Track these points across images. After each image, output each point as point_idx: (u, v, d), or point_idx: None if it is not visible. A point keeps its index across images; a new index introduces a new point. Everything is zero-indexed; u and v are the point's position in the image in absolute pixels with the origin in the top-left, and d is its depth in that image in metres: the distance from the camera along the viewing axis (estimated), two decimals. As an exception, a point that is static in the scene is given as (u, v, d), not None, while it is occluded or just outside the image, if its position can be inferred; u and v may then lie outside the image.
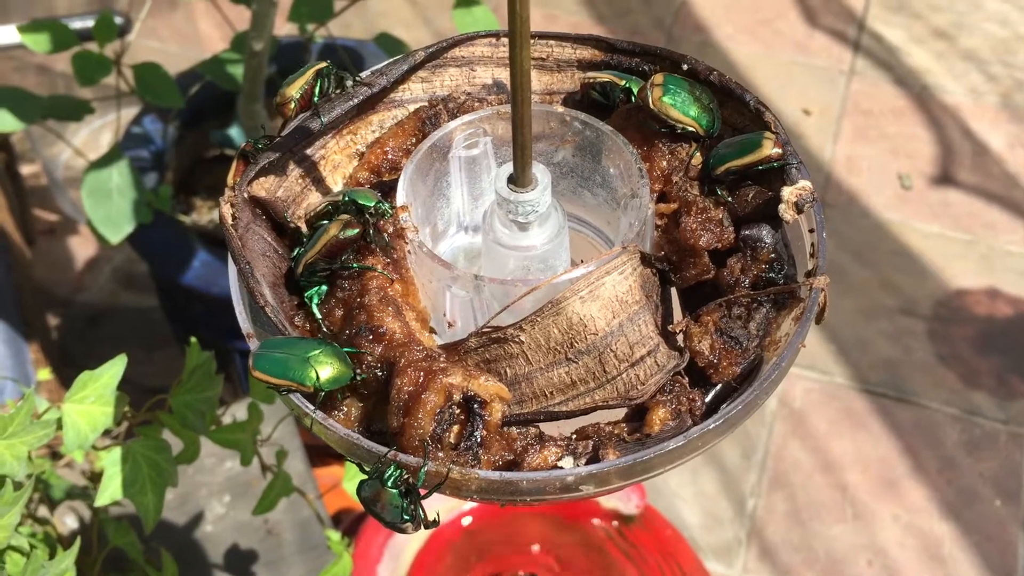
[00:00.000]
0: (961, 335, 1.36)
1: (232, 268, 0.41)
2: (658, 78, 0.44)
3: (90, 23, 0.95)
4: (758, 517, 1.21)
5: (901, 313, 1.38)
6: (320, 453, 1.05)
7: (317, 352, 0.39)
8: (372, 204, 0.42)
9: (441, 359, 0.39)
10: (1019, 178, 1.52)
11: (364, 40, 1.22)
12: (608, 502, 0.99)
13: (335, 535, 0.84)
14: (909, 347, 1.34)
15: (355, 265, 0.42)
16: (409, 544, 0.96)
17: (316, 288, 0.42)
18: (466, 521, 0.99)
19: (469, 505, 0.97)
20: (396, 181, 0.44)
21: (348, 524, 1.03)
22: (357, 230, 0.42)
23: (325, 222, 0.43)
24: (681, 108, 0.44)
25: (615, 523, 0.99)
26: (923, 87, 1.64)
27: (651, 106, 0.44)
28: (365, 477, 0.38)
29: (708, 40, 1.71)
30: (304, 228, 0.44)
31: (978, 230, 1.46)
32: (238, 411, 0.90)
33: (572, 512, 0.99)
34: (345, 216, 0.42)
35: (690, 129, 0.44)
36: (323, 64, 0.43)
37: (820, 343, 1.35)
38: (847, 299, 1.39)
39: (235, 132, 1.15)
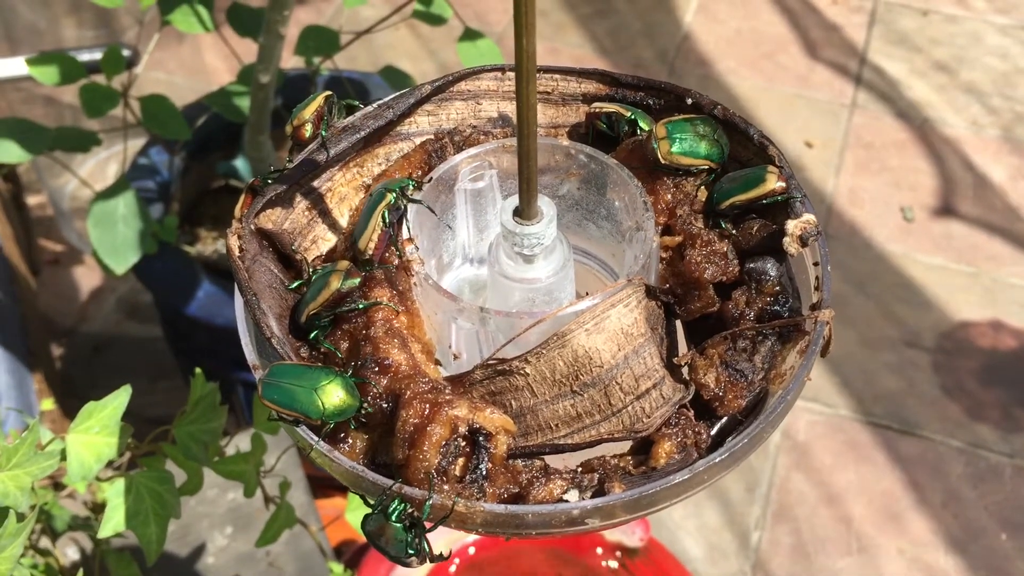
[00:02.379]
0: (965, 367, 1.36)
1: (238, 300, 0.41)
2: (660, 130, 0.44)
3: (98, 56, 0.96)
4: (763, 550, 1.20)
5: (905, 345, 1.38)
6: (322, 485, 1.04)
7: (325, 383, 0.39)
8: (408, 182, 0.43)
9: (447, 391, 0.39)
10: (1021, 211, 1.52)
11: (370, 72, 1.23)
12: (612, 535, 0.98)
13: (337, 567, 0.84)
14: (913, 379, 1.34)
15: (360, 305, 0.42)
16: (412, 577, 0.96)
17: (319, 330, 0.42)
18: (470, 552, 0.98)
19: (472, 537, 0.97)
20: (402, 213, 0.44)
21: (350, 556, 1.02)
22: (358, 279, 0.42)
23: (323, 268, 0.43)
24: (692, 152, 0.44)
25: (619, 556, 0.99)
26: (924, 120, 1.65)
27: (662, 160, 0.44)
28: (369, 511, 0.38)
29: (710, 74, 1.72)
30: (310, 259, 0.45)
31: (981, 262, 1.46)
32: (241, 442, 0.90)
33: (576, 545, 0.99)
34: (344, 264, 0.42)
35: (704, 168, 0.44)
36: (329, 92, 0.44)
37: (824, 375, 1.34)
38: (850, 331, 1.39)
39: (241, 164, 1.16)
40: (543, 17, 1.78)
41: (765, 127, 1.63)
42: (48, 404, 0.97)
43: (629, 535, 0.97)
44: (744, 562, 1.19)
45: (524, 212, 0.41)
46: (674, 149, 0.44)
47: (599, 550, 0.99)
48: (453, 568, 0.97)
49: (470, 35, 0.98)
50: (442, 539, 0.96)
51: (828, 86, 1.70)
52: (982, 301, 1.42)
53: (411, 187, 0.43)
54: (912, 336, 1.38)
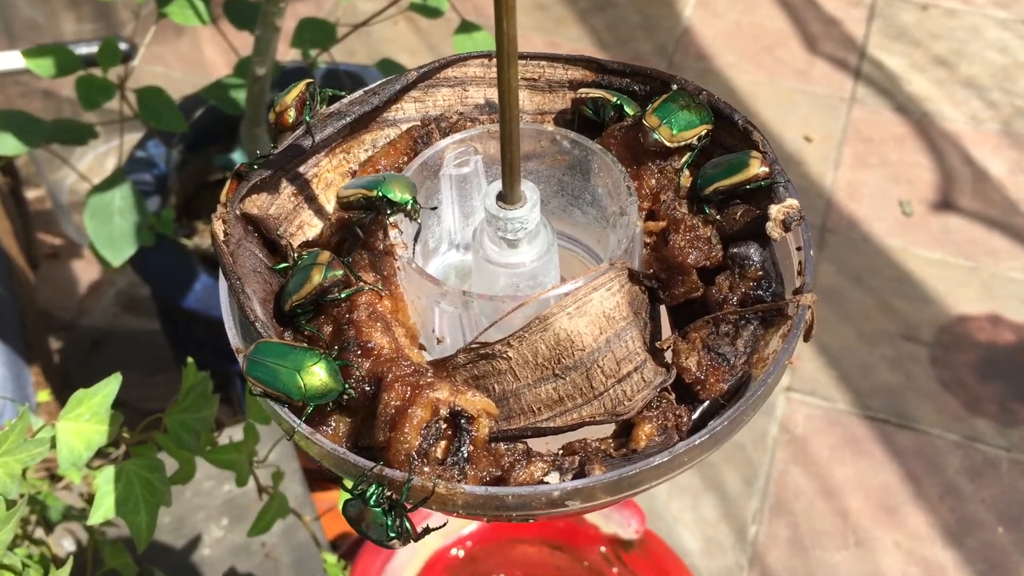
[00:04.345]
0: (963, 361, 1.35)
1: (223, 284, 0.42)
2: (653, 120, 0.44)
3: (94, 48, 0.96)
4: (760, 543, 1.20)
5: (903, 339, 1.37)
6: (320, 477, 1.05)
7: (309, 365, 0.39)
8: (407, 202, 0.42)
9: (428, 374, 0.39)
10: (1020, 204, 1.52)
11: (367, 66, 1.23)
12: (608, 527, 0.98)
13: (331, 558, 0.84)
14: (911, 373, 1.34)
15: (343, 295, 0.42)
16: (407, 568, 0.96)
17: (302, 316, 0.42)
18: (465, 546, 0.98)
19: (468, 530, 0.97)
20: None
21: (347, 548, 1.03)
22: (340, 271, 0.42)
23: (307, 255, 0.43)
24: (690, 124, 0.44)
25: (614, 548, 0.99)
26: (924, 114, 1.65)
27: (670, 145, 0.44)
28: (349, 496, 0.38)
29: (710, 68, 1.72)
30: (299, 242, 0.45)
31: (980, 256, 1.46)
32: (235, 433, 0.90)
33: (571, 537, 0.99)
34: (326, 256, 0.42)
35: (705, 132, 0.45)
36: (310, 79, 0.44)
37: (822, 369, 1.34)
38: (849, 325, 1.39)
39: (238, 156, 1.16)
40: (543, 11, 1.77)
41: (764, 121, 1.63)
42: (44, 396, 0.98)
43: (625, 527, 0.97)
44: (741, 555, 1.19)
45: (507, 197, 0.41)
46: (676, 131, 0.44)
47: (601, 548, 0.99)
48: (449, 558, 0.98)
49: (466, 28, 0.98)
50: (439, 531, 0.96)
51: (827, 80, 1.70)
52: (980, 295, 1.42)
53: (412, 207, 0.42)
54: (910, 330, 1.38)
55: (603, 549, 0.98)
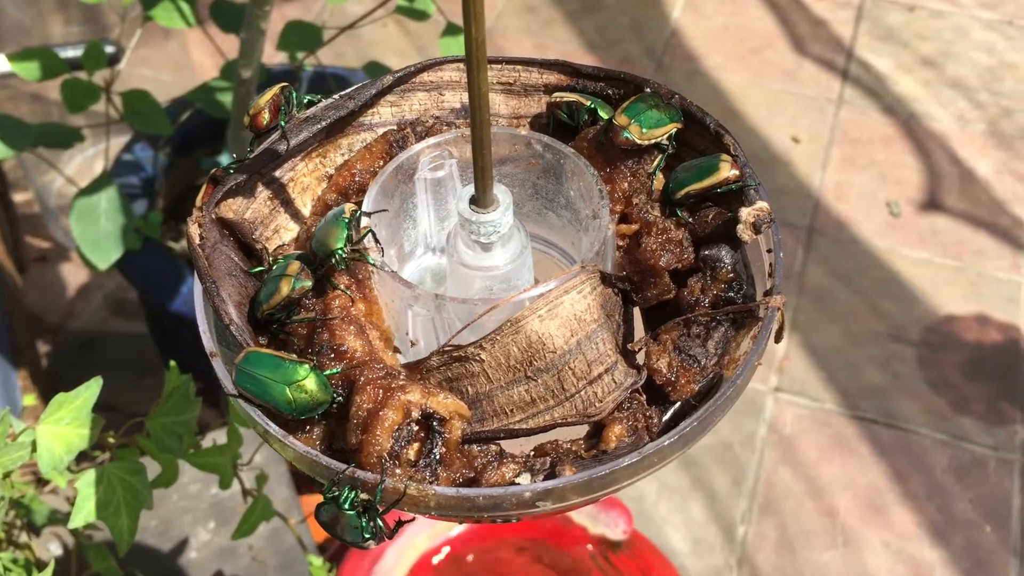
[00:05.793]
0: (950, 361, 1.36)
1: (198, 287, 0.42)
2: (623, 120, 0.44)
3: (81, 52, 0.96)
4: (748, 544, 1.20)
5: (890, 339, 1.38)
6: (308, 480, 1.04)
7: (299, 379, 0.39)
8: (332, 253, 0.42)
9: (400, 377, 0.39)
10: (1006, 204, 1.53)
11: (354, 68, 1.23)
12: (595, 528, 0.98)
13: (317, 560, 0.84)
14: (898, 373, 1.35)
15: (313, 317, 0.42)
16: (394, 571, 0.96)
17: (276, 323, 0.42)
18: (452, 549, 0.98)
19: (456, 532, 0.97)
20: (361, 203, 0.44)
21: (334, 551, 1.03)
22: (310, 283, 0.41)
23: (281, 261, 0.43)
24: (659, 123, 0.45)
25: (602, 549, 0.99)
26: (911, 115, 1.65)
27: (641, 142, 0.44)
28: (322, 500, 0.38)
29: (698, 69, 1.72)
30: (270, 249, 0.45)
31: (966, 256, 1.47)
32: (220, 436, 0.90)
33: (559, 538, 0.99)
34: (296, 265, 0.42)
35: (674, 131, 0.45)
36: (285, 84, 0.45)
37: (810, 369, 1.35)
38: (836, 325, 1.39)
39: (225, 159, 1.16)
40: (532, 13, 1.78)
41: (752, 122, 1.63)
42: (30, 399, 0.98)
43: (612, 528, 0.98)
44: (730, 555, 1.19)
45: (480, 200, 0.41)
46: (645, 128, 0.44)
47: (589, 549, 0.99)
48: (436, 561, 0.98)
49: (452, 30, 0.98)
50: (425, 532, 0.96)
51: (815, 81, 1.70)
52: (967, 295, 1.42)
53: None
54: (898, 330, 1.39)
55: (591, 550, 0.99)
